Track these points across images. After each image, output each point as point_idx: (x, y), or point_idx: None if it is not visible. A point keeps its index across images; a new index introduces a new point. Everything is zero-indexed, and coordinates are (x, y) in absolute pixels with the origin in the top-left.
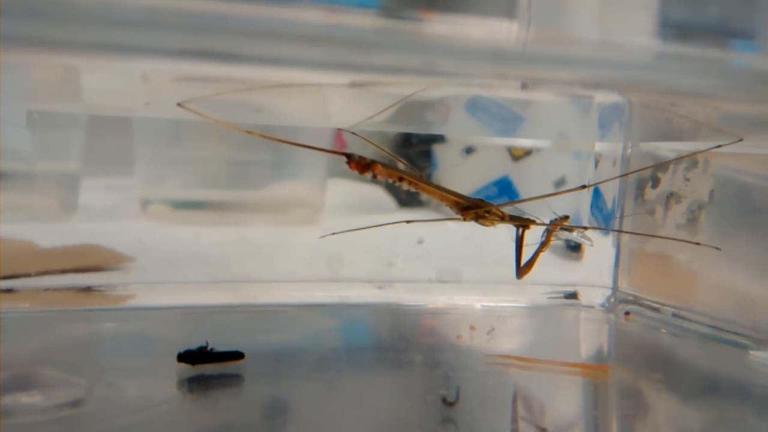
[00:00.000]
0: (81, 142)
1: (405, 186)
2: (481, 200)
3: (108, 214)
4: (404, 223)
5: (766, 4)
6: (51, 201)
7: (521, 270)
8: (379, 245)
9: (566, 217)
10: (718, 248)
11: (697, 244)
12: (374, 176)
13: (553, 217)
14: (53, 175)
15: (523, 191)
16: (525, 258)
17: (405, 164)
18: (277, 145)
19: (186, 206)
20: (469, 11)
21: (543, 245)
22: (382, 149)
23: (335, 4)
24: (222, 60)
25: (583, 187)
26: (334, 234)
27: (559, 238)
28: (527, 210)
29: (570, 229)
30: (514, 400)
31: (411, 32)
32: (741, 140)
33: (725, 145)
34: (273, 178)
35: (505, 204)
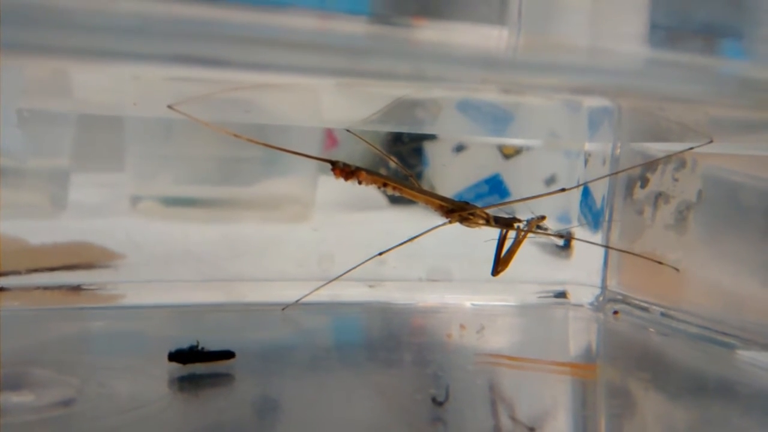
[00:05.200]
0: (71, 138)
1: (389, 191)
2: (466, 203)
3: (98, 211)
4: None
5: (755, 11)
6: (41, 198)
7: (497, 268)
8: (370, 243)
9: (543, 217)
10: (676, 269)
11: (660, 263)
12: (359, 182)
13: (530, 216)
14: (44, 172)
15: (514, 189)
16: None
17: (396, 162)
18: (267, 141)
19: (177, 203)
20: (460, 18)
21: (518, 244)
22: (373, 147)
23: (326, 11)
24: (214, 66)
25: (563, 190)
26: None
27: (537, 231)
28: (513, 208)
29: (546, 229)
30: (503, 400)
31: (402, 38)
32: (711, 141)
33: (697, 146)
34: (264, 175)
35: (489, 207)
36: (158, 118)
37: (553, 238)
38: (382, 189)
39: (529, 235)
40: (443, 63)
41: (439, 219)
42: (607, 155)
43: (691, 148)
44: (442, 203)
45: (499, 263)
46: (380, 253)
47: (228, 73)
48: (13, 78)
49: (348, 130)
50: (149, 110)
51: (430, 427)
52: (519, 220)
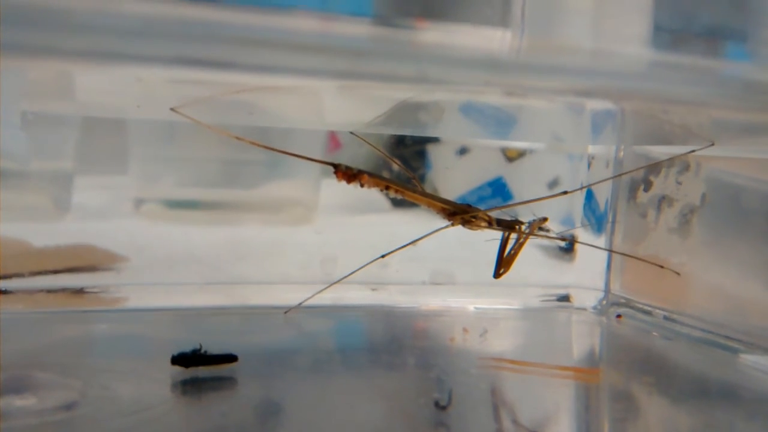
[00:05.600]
0: (75, 141)
1: (392, 194)
2: (468, 205)
3: (101, 213)
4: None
5: (759, 13)
6: (44, 200)
7: (499, 270)
8: (374, 246)
9: (545, 219)
10: (677, 273)
11: (661, 267)
12: (361, 185)
13: (532, 218)
14: (47, 174)
15: (517, 192)
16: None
17: (399, 165)
18: (270, 144)
19: (180, 206)
20: (463, 20)
21: (520, 246)
22: (377, 149)
23: (329, 13)
24: (217, 68)
25: (564, 192)
26: (300, 304)
27: (538, 234)
28: (516, 211)
29: (548, 230)
30: (506, 404)
31: (405, 40)
32: (712, 144)
33: (698, 149)
34: (267, 178)
35: (491, 209)
36: (161, 120)
37: (559, 238)
38: (384, 192)
39: (531, 237)
40: (446, 65)
41: (441, 222)
42: (611, 158)
43: (693, 151)
44: (445, 206)
45: (502, 266)
46: (383, 256)
47: (231, 76)
48: (17, 80)
49: (353, 133)
50: (152, 113)
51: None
52: (521, 223)
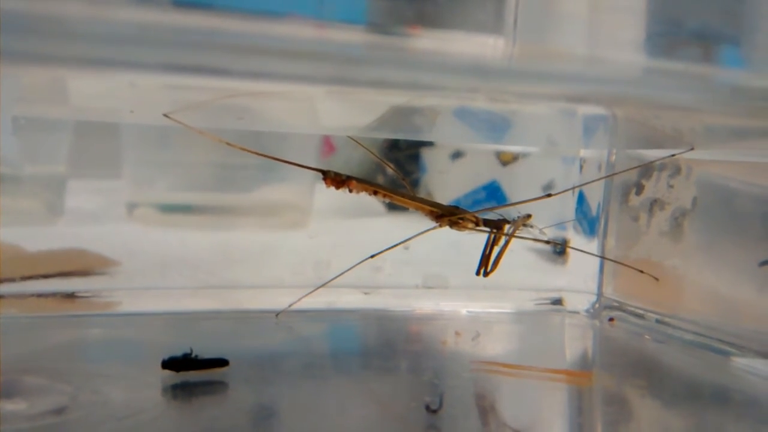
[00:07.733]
0: (68, 145)
1: (380, 198)
2: (456, 207)
3: (95, 217)
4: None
5: (751, 17)
6: (37, 205)
7: (485, 269)
8: (367, 250)
9: (528, 216)
10: (656, 278)
11: (641, 272)
12: (350, 190)
13: (516, 215)
14: (40, 179)
15: (512, 196)
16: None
17: (393, 169)
18: (264, 148)
19: (173, 210)
20: (456, 27)
21: (506, 244)
22: (373, 154)
23: (323, 20)
24: (212, 74)
25: (549, 195)
26: (290, 306)
27: (521, 237)
28: (506, 214)
29: (531, 226)
30: (498, 407)
31: (398, 47)
32: (692, 149)
33: (679, 153)
34: (261, 182)
35: (479, 210)
36: (155, 125)
37: (543, 238)
38: (373, 196)
39: (521, 238)
40: (439, 72)
41: (432, 224)
42: (603, 162)
43: (673, 155)
44: (432, 209)
45: (487, 264)
46: (372, 256)
47: (226, 82)
48: (9, 86)
49: (351, 138)
50: (146, 117)
51: None
52: (507, 222)
